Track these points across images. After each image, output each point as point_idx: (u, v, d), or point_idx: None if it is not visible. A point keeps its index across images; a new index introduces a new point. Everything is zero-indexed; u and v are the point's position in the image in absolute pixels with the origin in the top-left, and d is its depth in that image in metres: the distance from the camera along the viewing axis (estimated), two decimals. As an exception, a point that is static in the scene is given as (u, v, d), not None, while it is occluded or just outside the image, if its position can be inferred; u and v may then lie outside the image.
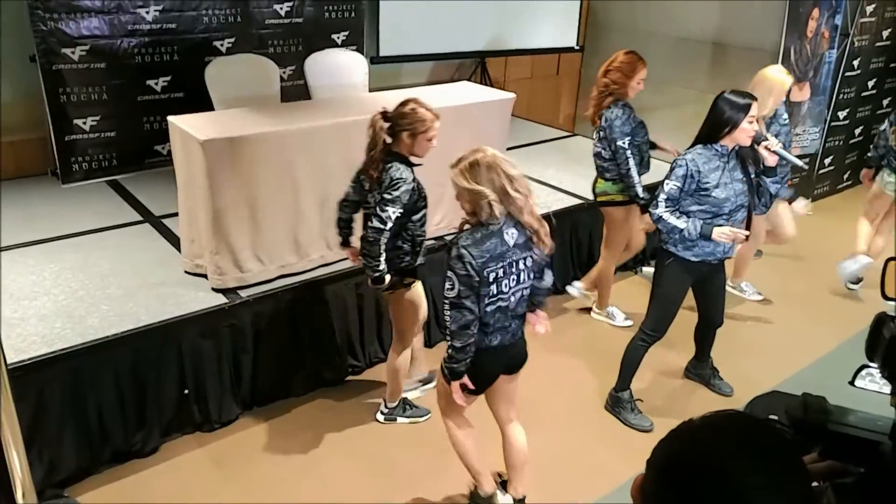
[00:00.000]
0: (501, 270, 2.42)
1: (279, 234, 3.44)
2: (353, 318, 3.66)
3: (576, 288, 4.48)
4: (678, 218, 3.10)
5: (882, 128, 4.60)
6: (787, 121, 4.03)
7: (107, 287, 3.35)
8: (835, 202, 6.45)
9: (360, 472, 3.08)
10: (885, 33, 6.30)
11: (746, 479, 0.75)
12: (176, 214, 3.65)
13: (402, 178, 2.79)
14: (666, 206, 3.11)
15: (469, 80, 5.88)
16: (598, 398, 3.62)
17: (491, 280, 2.40)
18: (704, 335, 3.70)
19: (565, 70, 7.33)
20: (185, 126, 3.22)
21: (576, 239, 4.65)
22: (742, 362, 3.93)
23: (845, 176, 6.69)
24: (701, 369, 3.80)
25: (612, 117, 3.78)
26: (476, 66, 6.29)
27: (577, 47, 6.78)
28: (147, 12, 4.55)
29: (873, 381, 0.95)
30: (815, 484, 0.91)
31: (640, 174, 3.86)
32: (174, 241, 3.77)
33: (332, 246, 3.68)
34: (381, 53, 5.64)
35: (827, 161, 6.30)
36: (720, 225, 3.09)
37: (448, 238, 3.47)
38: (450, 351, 2.48)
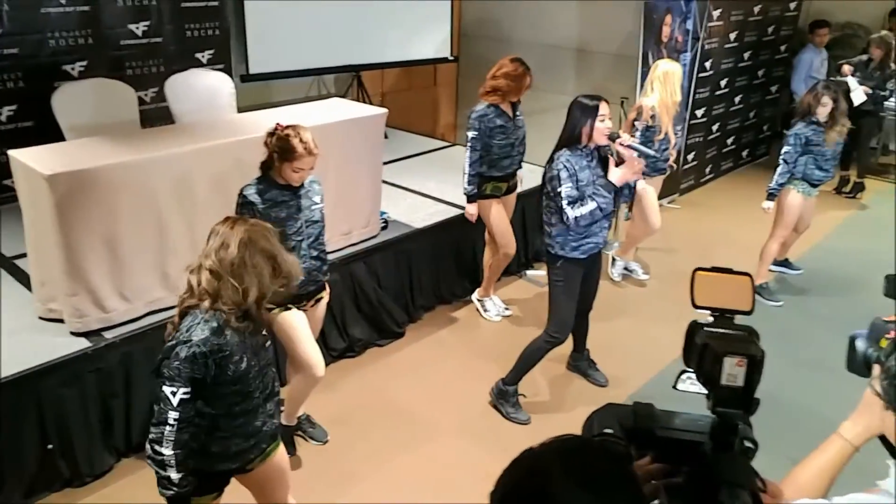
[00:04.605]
0: None
1: (145, 268, 3.25)
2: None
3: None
4: (583, 205, 3.19)
5: (787, 149, 4.50)
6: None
7: (-50, 341, 3.05)
8: (699, 196, 6.88)
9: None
10: (732, 35, 6.79)
11: (574, 500, 0.78)
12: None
13: (241, 193, 2.84)
14: (573, 208, 3.19)
15: (345, 94, 5.85)
16: (480, 405, 3.66)
17: None
18: (579, 325, 3.79)
19: (442, 80, 7.42)
20: (28, 160, 2.99)
21: (459, 250, 4.69)
22: (620, 353, 4.10)
23: (707, 170, 7.15)
24: (578, 360, 3.94)
25: (474, 110, 4.00)
26: (352, 80, 6.25)
27: (451, 58, 6.88)
28: (-17, 37, 4.21)
29: (693, 383, 1.01)
30: (652, 482, 0.96)
31: (484, 173, 4.06)
32: (28, 283, 3.48)
33: (204, 276, 3.53)
34: (251, 71, 5.48)
35: (689, 157, 6.71)
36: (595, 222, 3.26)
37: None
38: None
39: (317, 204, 2.99)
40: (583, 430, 0.94)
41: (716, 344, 0.88)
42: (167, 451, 1.96)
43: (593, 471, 0.81)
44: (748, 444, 0.91)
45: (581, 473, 0.80)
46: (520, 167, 4.25)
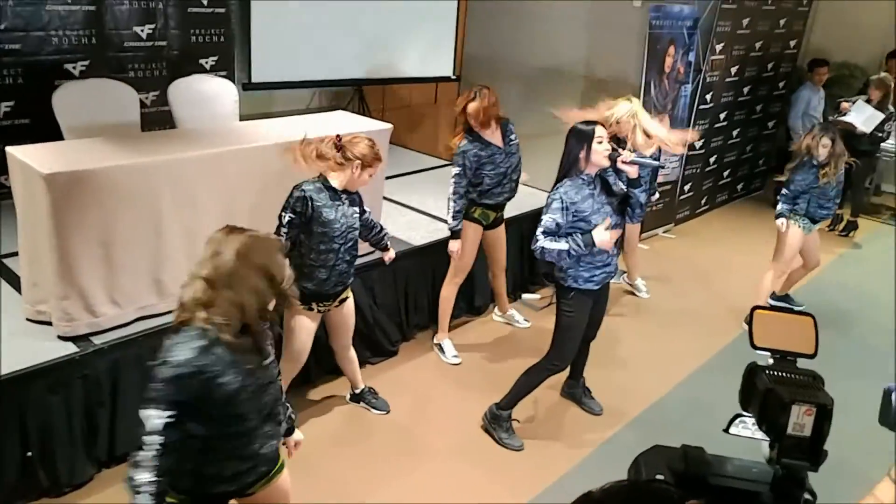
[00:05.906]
0: None
1: (138, 274, 3.17)
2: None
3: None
4: (557, 242, 3.12)
5: (791, 176, 4.56)
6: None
7: (-68, 340, 2.95)
8: (695, 226, 6.89)
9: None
10: (734, 70, 6.85)
11: None
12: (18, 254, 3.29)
13: (297, 185, 2.99)
14: (545, 238, 3.14)
15: (346, 108, 5.81)
16: (474, 427, 3.60)
17: None
18: (580, 352, 3.73)
19: (443, 99, 7.40)
20: (26, 158, 2.91)
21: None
22: (616, 380, 4.05)
23: (702, 201, 7.17)
24: (574, 388, 3.88)
25: (458, 146, 3.88)
26: (353, 94, 6.22)
27: (453, 77, 6.87)
28: (-16, 32, 4.14)
29: (745, 427, 0.96)
30: None
31: (475, 200, 3.96)
32: (17, 283, 3.39)
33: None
34: (254, 80, 5.44)
35: (686, 188, 6.73)
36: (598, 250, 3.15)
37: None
38: None
39: (356, 212, 3.17)
40: (629, 472, 0.90)
41: (782, 390, 0.83)
42: (144, 477, 1.81)
43: None
44: (807, 496, 0.86)
45: None
46: (512, 196, 4.08)
